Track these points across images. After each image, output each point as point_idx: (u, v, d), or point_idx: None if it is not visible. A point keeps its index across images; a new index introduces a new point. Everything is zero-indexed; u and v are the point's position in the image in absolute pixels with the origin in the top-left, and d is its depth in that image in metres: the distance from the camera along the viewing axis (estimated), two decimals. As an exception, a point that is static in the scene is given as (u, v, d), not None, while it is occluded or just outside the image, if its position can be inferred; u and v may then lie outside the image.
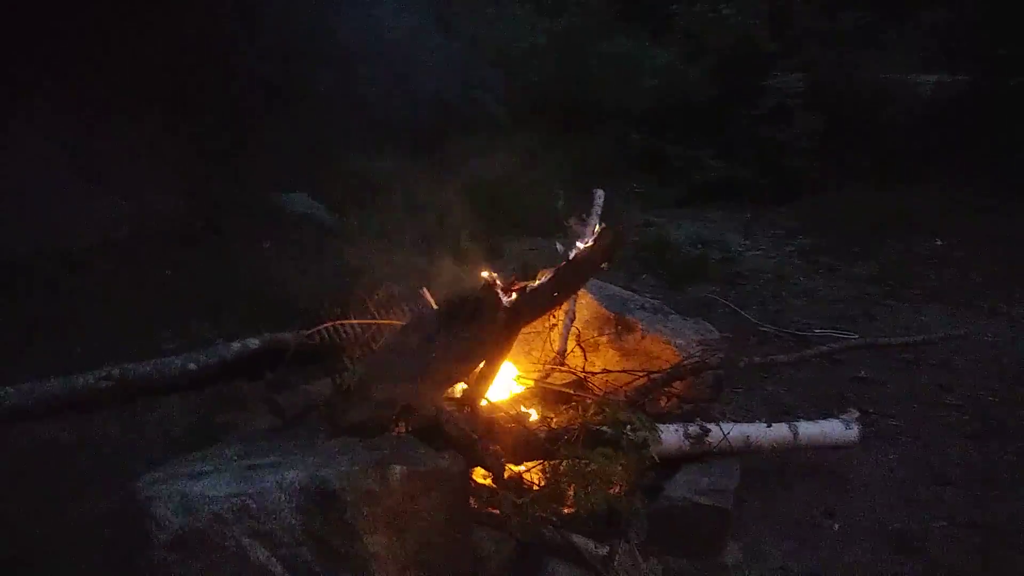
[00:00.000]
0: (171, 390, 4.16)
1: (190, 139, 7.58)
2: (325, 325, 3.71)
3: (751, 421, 3.63)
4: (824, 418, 3.71)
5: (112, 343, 4.77)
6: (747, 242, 7.88)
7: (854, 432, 3.61)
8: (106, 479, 3.35)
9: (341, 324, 3.78)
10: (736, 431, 3.41)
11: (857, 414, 3.72)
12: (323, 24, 9.14)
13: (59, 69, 6.87)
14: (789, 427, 3.53)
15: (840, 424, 3.63)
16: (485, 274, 3.26)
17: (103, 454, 3.65)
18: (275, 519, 2.32)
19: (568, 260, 3.40)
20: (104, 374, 4.00)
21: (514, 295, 3.25)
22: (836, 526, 3.31)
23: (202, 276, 6.19)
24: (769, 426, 3.50)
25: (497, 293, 3.19)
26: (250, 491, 2.34)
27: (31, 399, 3.83)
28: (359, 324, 3.71)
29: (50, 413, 3.85)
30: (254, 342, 4.42)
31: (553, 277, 3.38)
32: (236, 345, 4.39)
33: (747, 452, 3.43)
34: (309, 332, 3.82)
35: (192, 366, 4.22)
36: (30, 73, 6.81)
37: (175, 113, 7.52)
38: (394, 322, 3.69)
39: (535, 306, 3.37)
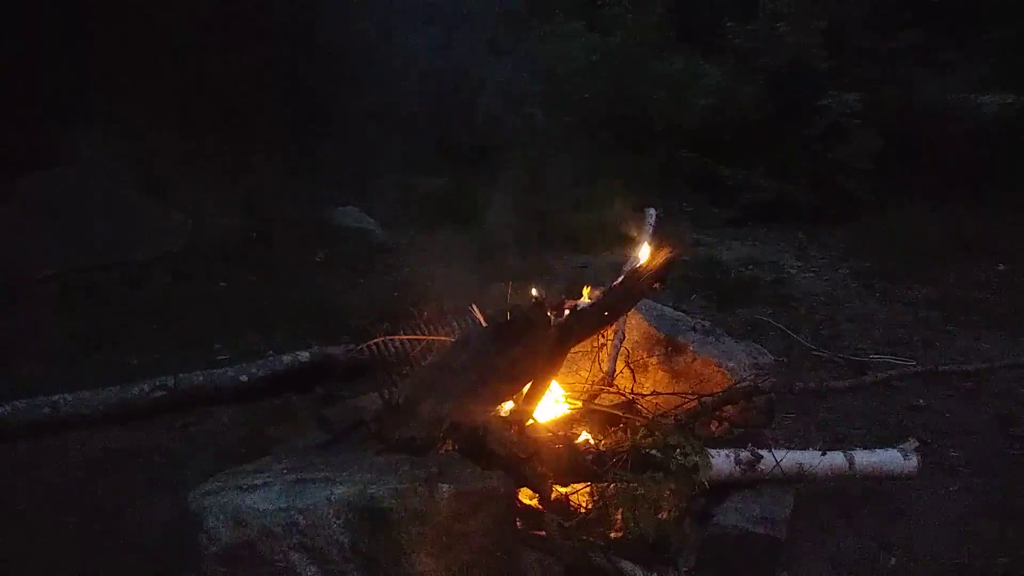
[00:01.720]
0: (223, 401, 4.25)
1: (245, 155, 7.76)
2: (374, 341, 3.72)
3: (805, 448, 3.53)
4: (881, 447, 3.60)
5: (167, 354, 4.89)
6: (800, 264, 7.73)
7: (913, 463, 3.49)
8: (159, 489, 3.42)
9: (390, 339, 3.79)
10: (789, 458, 3.32)
11: (916, 444, 3.60)
12: (376, 42, 9.30)
13: (121, 88, 7.09)
14: (845, 455, 3.43)
15: (898, 454, 3.51)
16: (534, 292, 3.25)
17: (156, 463, 3.72)
18: (324, 535, 2.32)
19: (620, 279, 3.37)
20: (158, 384, 4.11)
21: (564, 314, 3.23)
22: (892, 560, 3.20)
23: (255, 289, 6.31)
24: (824, 454, 3.41)
25: (546, 312, 3.18)
26: (300, 506, 2.35)
27: (88, 407, 3.95)
28: (408, 340, 3.72)
29: (106, 422, 3.96)
30: (304, 355, 4.51)
31: (604, 296, 3.36)
32: (287, 358, 4.49)
33: (800, 480, 3.34)
34: (358, 347, 3.85)
35: (244, 378, 4.33)
36: (93, 92, 7.03)
37: (231, 130, 7.70)
38: (443, 338, 3.69)
39: (585, 326, 3.35)
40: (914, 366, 4.88)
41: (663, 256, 3.27)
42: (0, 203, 6.55)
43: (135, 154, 7.51)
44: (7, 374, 4.61)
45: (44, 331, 5.25)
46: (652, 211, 4.27)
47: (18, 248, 6.23)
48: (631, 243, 4.00)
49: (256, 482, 2.52)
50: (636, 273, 3.30)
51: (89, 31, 6.89)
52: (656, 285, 3.33)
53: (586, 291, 3.68)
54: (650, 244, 3.59)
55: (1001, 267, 7.18)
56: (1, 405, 3.81)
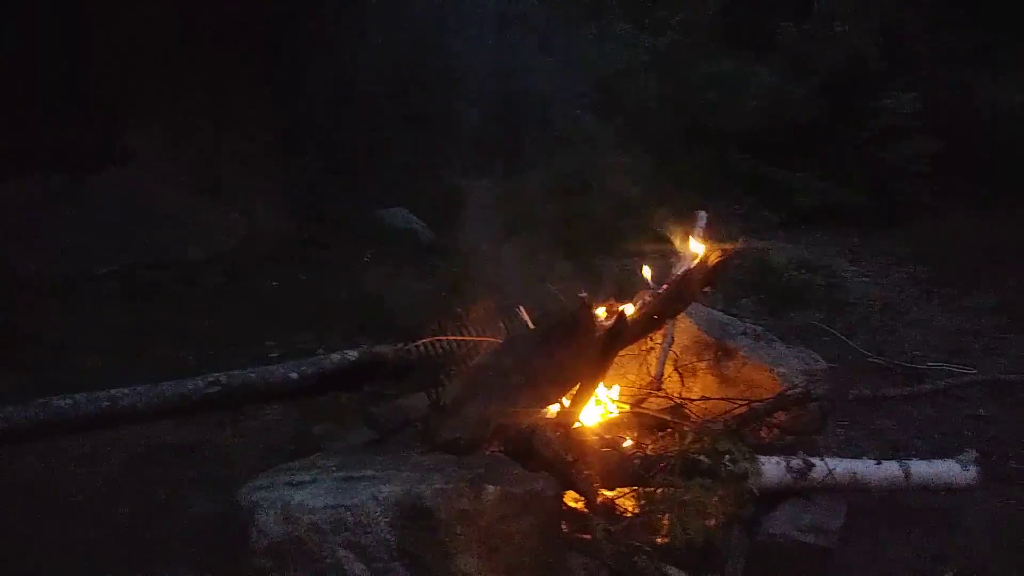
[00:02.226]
0: (274, 398, 4.29)
1: (296, 156, 7.88)
2: (422, 340, 3.74)
3: (858, 457, 3.46)
4: (938, 457, 3.50)
5: (220, 351, 4.98)
6: (854, 268, 7.57)
7: (972, 474, 3.39)
8: (209, 483, 3.48)
9: (438, 340, 3.81)
10: (842, 467, 3.25)
11: (975, 455, 3.50)
12: (426, 44, 9.36)
13: (179, 90, 7.26)
14: (900, 466, 3.35)
15: (956, 465, 3.41)
16: (583, 294, 3.23)
17: (207, 458, 3.80)
18: (370, 533, 2.35)
19: (671, 282, 3.34)
20: (212, 379, 4.17)
21: (612, 317, 3.20)
22: (948, 574, 3.11)
23: (306, 289, 6.41)
24: (879, 463, 3.33)
25: (594, 314, 3.16)
26: (347, 503, 2.38)
27: (144, 402, 4.02)
28: (455, 340, 3.73)
29: (162, 416, 4.03)
30: (352, 354, 4.51)
31: (654, 299, 3.33)
32: (336, 356, 4.50)
33: (854, 490, 3.27)
34: (406, 347, 3.87)
35: (294, 375, 4.34)
36: (152, 94, 7.22)
37: (283, 132, 7.83)
38: (490, 339, 3.69)
39: (633, 329, 3.33)
40: (974, 374, 4.74)
41: (713, 260, 3.23)
42: (63, 201, 6.76)
43: (192, 155, 7.69)
44: (68, 367, 4.75)
45: (103, 326, 5.39)
46: (703, 214, 4.21)
47: (79, 245, 6.41)
48: (681, 246, 3.95)
49: (305, 479, 2.56)
50: (686, 276, 3.26)
51: (149, 34, 7.07)
52: (706, 289, 3.29)
53: (639, 296, 3.65)
54: (700, 247, 3.55)
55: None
56: (62, 397, 3.91)
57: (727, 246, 3.30)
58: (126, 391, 4.00)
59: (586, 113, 10.18)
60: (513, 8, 10.66)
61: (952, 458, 3.46)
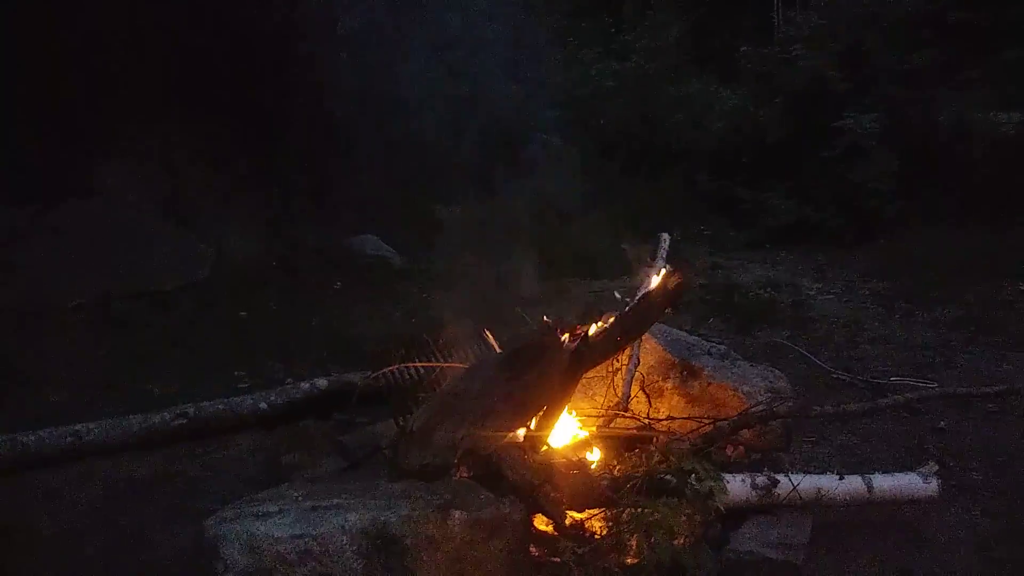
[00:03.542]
0: (243, 428, 4.30)
1: (267, 185, 7.89)
2: (391, 368, 3.76)
3: (823, 472, 3.51)
4: (901, 471, 3.56)
5: (190, 382, 4.96)
6: (820, 286, 7.69)
7: (933, 486, 3.45)
8: (178, 516, 3.46)
9: (406, 366, 3.83)
10: (806, 483, 3.30)
11: (936, 467, 3.56)
12: (395, 69, 9.43)
13: (148, 120, 7.26)
14: (863, 480, 3.40)
15: (918, 478, 3.47)
16: (547, 318, 3.28)
17: (177, 491, 3.77)
18: (337, 562, 2.35)
19: (632, 304, 3.39)
20: (179, 412, 4.17)
21: (576, 339, 3.25)
22: (913, 586, 3.15)
23: (276, 317, 6.40)
24: (841, 478, 3.38)
25: (559, 337, 3.20)
26: (313, 533, 2.38)
27: (111, 436, 4.01)
28: (423, 367, 3.75)
29: (129, 449, 4.02)
30: (322, 383, 4.56)
31: (617, 322, 3.38)
32: (305, 385, 4.54)
33: (818, 505, 3.32)
34: (375, 374, 3.89)
35: (263, 405, 4.38)
36: (121, 121, 7.20)
37: (254, 161, 7.84)
38: (458, 365, 3.72)
39: (598, 351, 3.37)
40: (934, 388, 4.83)
41: (675, 281, 3.29)
42: (33, 232, 6.71)
43: (162, 185, 7.67)
44: (37, 400, 4.71)
45: (71, 359, 5.35)
46: (666, 236, 4.29)
47: (49, 276, 6.36)
48: (645, 268, 4.01)
49: (271, 509, 2.56)
50: (648, 298, 3.32)
51: (116, 64, 7.07)
52: (668, 310, 3.34)
53: (604, 318, 3.70)
54: (663, 269, 3.61)
55: (1022, 286, 7.09)
56: (27, 434, 3.88)
57: (687, 268, 3.36)
58: (92, 425, 4.01)
59: (555, 137, 10.29)
60: (483, 34, 10.78)
61: (914, 471, 3.52)
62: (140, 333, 5.92)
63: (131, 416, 4.12)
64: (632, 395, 4.00)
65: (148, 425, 4.09)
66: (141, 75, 7.29)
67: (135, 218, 7.30)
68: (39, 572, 3.10)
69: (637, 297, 3.39)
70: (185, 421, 4.14)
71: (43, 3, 6.79)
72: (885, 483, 3.42)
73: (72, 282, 6.43)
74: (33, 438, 3.87)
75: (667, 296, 3.29)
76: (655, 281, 3.47)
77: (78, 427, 3.96)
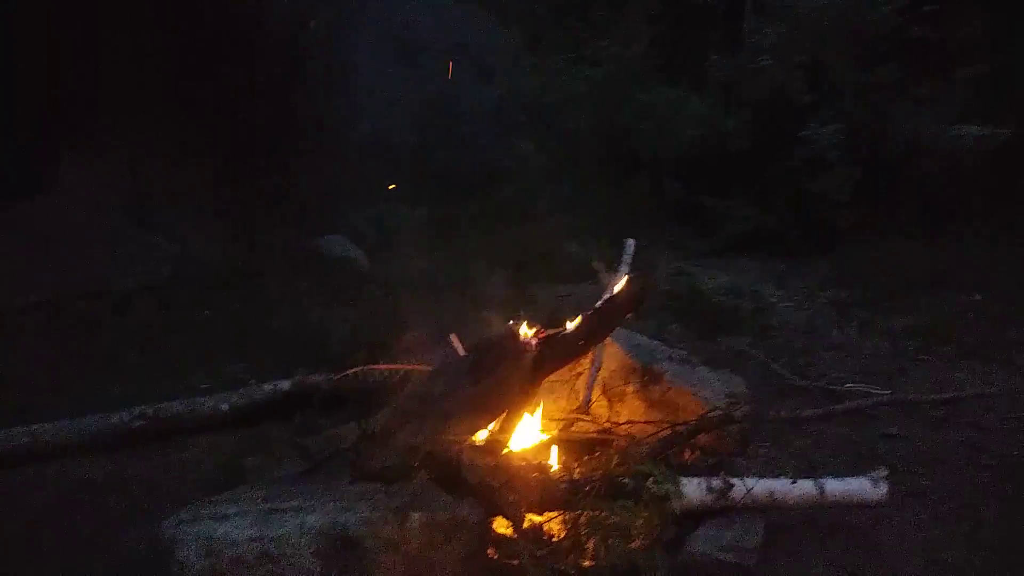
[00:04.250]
0: (203, 430, 4.27)
1: (231, 185, 7.83)
2: (354, 370, 3.77)
3: (777, 476, 3.58)
4: (852, 475, 3.65)
5: (149, 383, 4.91)
6: (780, 293, 7.82)
7: (882, 490, 3.54)
8: (136, 518, 3.43)
9: (369, 369, 3.84)
10: (760, 486, 3.37)
11: (886, 472, 3.65)
12: (365, 72, 9.42)
13: (109, 118, 7.17)
14: (815, 484, 3.48)
15: (868, 482, 3.56)
16: (510, 322, 3.31)
17: (135, 493, 3.73)
18: (295, 564, 2.36)
19: (594, 309, 3.43)
20: (138, 413, 4.13)
21: (538, 343, 3.29)
22: (863, 588, 3.23)
23: (239, 318, 6.35)
24: (794, 482, 3.45)
25: (521, 341, 3.24)
26: (271, 535, 2.39)
27: (67, 437, 3.96)
28: (386, 369, 3.77)
29: (85, 451, 3.97)
30: (284, 384, 4.54)
31: (578, 326, 3.42)
32: (267, 387, 4.52)
33: (771, 508, 3.39)
34: (338, 376, 3.89)
35: (224, 407, 4.35)
36: (82, 119, 7.11)
37: (218, 160, 7.78)
38: (420, 368, 3.74)
39: (560, 354, 3.41)
40: (887, 395, 4.95)
41: (636, 286, 3.34)
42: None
43: (122, 183, 7.58)
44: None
45: (28, 359, 5.27)
46: (630, 242, 4.35)
47: (7, 274, 6.26)
48: (609, 273, 4.07)
49: (229, 511, 2.56)
50: (609, 303, 3.37)
51: (78, 61, 6.98)
52: (628, 315, 3.39)
53: (567, 323, 3.75)
54: (625, 274, 3.66)
55: (977, 297, 7.27)
56: (-21, 434, 3.82)
57: (648, 274, 3.41)
58: (48, 426, 3.96)
59: (523, 142, 10.35)
60: (454, 39, 10.83)
61: (864, 475, 3.61)
62: (99, 333, 5.85)
63: (88, 416, 4.08)
64: (594, 399, 4.05)
65: (106, 426, 4.04)
66: (105, 73, 7.20)
67: (96, 216, 7.21)
68: (-8, 574, 3.06)
69: (600, 302, 3.44)
70: (144, 422, 4.11)
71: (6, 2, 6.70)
72: (836, 487, 3.50)
73: (28, 280, 6.34)
74: (-14, 438, 3.81)
75: (628, 301, 3.34)
76: (618, 286, 3.52)
77: (34, 427, 3.91)
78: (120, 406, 4.24)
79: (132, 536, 3.27)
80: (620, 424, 3.80)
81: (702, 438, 3.68)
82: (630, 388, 4.06)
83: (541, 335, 3.39)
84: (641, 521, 3.00)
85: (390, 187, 8.33)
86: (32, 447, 3.87)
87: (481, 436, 3.30)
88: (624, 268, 4.09)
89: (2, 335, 5.61)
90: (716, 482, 3.32)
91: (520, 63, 11.40)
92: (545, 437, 3.66)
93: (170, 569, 2.37)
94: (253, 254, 7.54)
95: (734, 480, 3.34)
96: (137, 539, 3.21)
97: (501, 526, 3.06)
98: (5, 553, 3.21)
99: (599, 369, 4.13)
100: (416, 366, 3.94)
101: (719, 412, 3.69)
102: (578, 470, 3.32)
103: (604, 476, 3.14)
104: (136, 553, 3.09)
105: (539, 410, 3.72)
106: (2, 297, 6.09)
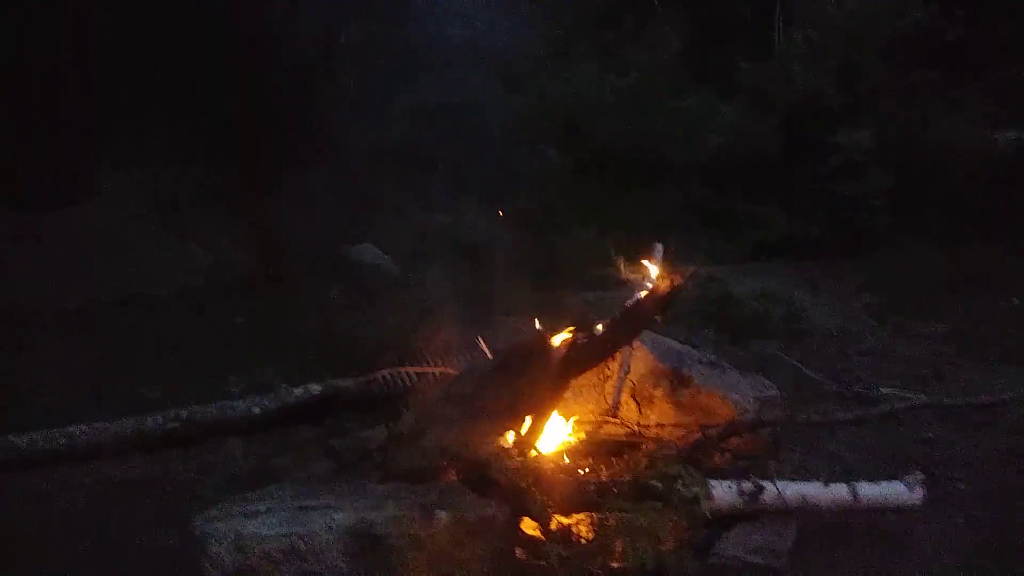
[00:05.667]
0: (235, 433, 4.32)
1: (264, 193, 7.94)
2: (383, 373, 3.79)
3: (809, 480, 3.53)
4: (886, 479, 3.59)
5: (183, 387, 4.98)
6: (813, 298, 7.72)
7: (917, 495, 3.48)
8: (169, 517, 3.47)
9: (398, 372, 3.87)
10: (792, 490, 3.33)
11: (922, 476, 3.59)
12: (395, 80, 9.52)
13: (145, 128, 7.32)
14: (848, 487, 3.43)
15: (903, 486, 3.50)
16: (537, 324, 3.31)
17: (167, 493, 3.78)
18: (323, 560, 2.38)
19: (621, 312, 3.42)
20: (172, 415, 4.19)
21: (566, 345, 3.28)
22: (896, 594, 3.17)
23: (271, 324, 6.42)
24: (827, 486, 3.41)
25: (548, 343, 3.24)
26: (300, 532, 2.41)
27: (103, 438, 4.03)
28: (415, 372, 3.79)
29: (120, 452, 4.04)
30: (315, 388, 4.58)
31: (606, 328, 3.41)
32: (298, 391, 4.56)
33: (803, 511, 3.34)
34: (367, 380, 3.92)
35: (256, 410, 4.40)
36: (118, 129, 7.27)
37: (251, 168, 7.90)
38: (448, 370, 3.76)
39: (587, 357, 3.41)
40: (921, 400, 4.85)
41: (663, 289, 3.33)
42: (27, 237, 6.75)
43: (158, 192, 7.72)
44: (28, 404, 4.72)
45: (66, 362, 5.37)
46: (660, 246, 4.32)
47: (45, 281, 6.40)
48: (638, 277, 4.05)
49: (259, 509, 2.58)
50: (637, 305, 3.36)
51: (109, 71, 7.14)
52: (657, 317, 3.38)
53: (595, 326, 3.74)
54: (653, 277, 3.64)
55: (1014, 301, 7.14)
56: (19, 436, 3.90)
57: (677, 276, 3.39)
58: (84, 428, 4.03)
59: (553, 149, 10.36)
60: (482, 46, 10.88)
61: (899, 479, 3.55)
62: (134, 338, 5.95)
63: (124, 419, 4.15)
64: (622, 403, 4.03)
65: (140, 428, 4.11)
66: (140, 84, 7.35)
67: (132, 224, 7.36)
68: (28, 573, 3.11)
69: (628, 304, 3.43)
70: (178, 425, 4.17)
71: (38, 11, 6.86)
72: (870, 491, 3.45)
73: (67, 286, 6.48)
74: (26, 439, 3.89)
75: (656, 304, 3.32)
76: (646, 288, 3.51)
77: (71, 429, 3.99)
78: (154, 409, 4.31)
79: (164, 534, 3.32)
80: (648, 427, 3.78)
81: (733, 441, 3.65)
82: (659, 391, 4.03)
83: (569, 337, 3.38)
84: (670, 523, 2.97)
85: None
86: (69, 448, 3.94)
87: (509, 437, 3.30)
88: (653, 272, 4.07)
89: (41, 340, 5.73)
90: (747, 485, 3.28)
91: (548, 71, 11.40)
92: (573, 439, 3.65)
93: (201, 565, 2.40)
94: (284, 261, 7.62)
95: (765, 483, 3.31)
96: (169, 537, 3.25)
97: (529, 527, 3.05)
98: (41, 551, 3.27)
99: (628, 372, 4.11)
100: (444, 369, 3.95)
101: (750, 415, 3.66)
102: (606, 472, 3.31)
103: (633, 478, 3.12)
104: (168, 550, 3.13)
105: (567, 412, 3.71)
106: (41, 303, 6.22)
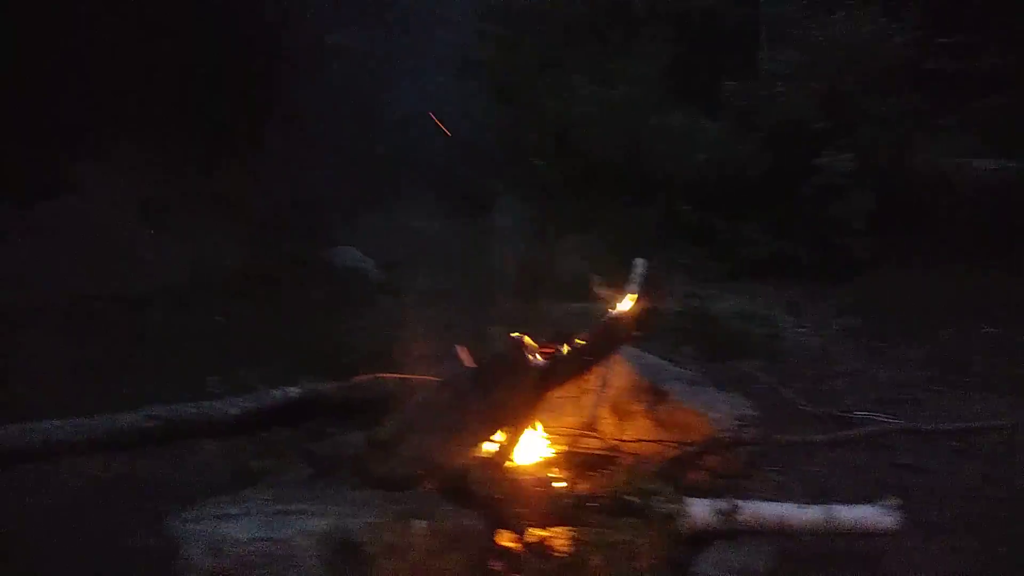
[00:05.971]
0: (213, 433, 4.28)
1: (247, 193, 7.90)
2: (363, 379, 3.78)
3: (785, 501, 3.55)
4: (862, 503, 3.61)
5: (161, 386, 4.93)
6: (793, 319, 7.78)
7: (892, 519, 3.50)
8: (144, 518, 3.43)
9: (379, 378, 3.86)
10: (768, 510, 3.34)
11: (897, 501, 3.61)
12: (381, 86, 9.52)
13: (127, 122, 7.28)
14: (823, 510, 3.45)
15: (878, 510, 3.53)
16: (516, 335, 3.32)
17: (143, 493, 3.74)
18: (298, 566, 2.37)
19: (600, 326, 3.44)
20: (149, 414, 4.14)
21: (545, 357, 3.29)
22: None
23: (252, 325, 6.38)
24: (802, 508, 3.43)
25: (526, 354, 3.24)
26: (275, 537, 2.40)
27: (79, 435, 3.98)
28: (395, 379, 3.78)
29: (96, 450, 3.98)
30: (294, 391, 4.54)
31: (584, 342, 3.43)
32: (277, 393, 4.52)
33: (779, 533, 3.36)
34: (347, 385, 3.91)
35: (234, 411, 4.35)
36: (100, 125, 7.22)
37: (234, 167, 7.86)
38: (428, 378, 3.75)
39: (565, 370, 3.42)
40: (898, 423, 4.90)
41: (642, 304, 3.35)
42: (8, 232, 6.68)
43: (140, 187, 7.66)
44: (5, 399, 4.66)
45: (43, 359, 5.30)
46: (640, 261, 4.34)
47: (23, 276, 6.32)
48: (613, 292, 4.07)
49: (235, 512, 2.57)
50: (615, 320, 3.37)
51: (95, 66, 7.09)
52: (634, 333, 3.40)
53: (576, 339, 3.75)
54: (632, 293, 3.67)
55: (992, 329, 7.22)
56: (-7, 430, 3.84)
57: (655, 293, 3.42)
58: (60, 424, 3.97)
59: (537, 159, 10.39)
60: (470, 56, 10.91)
61: (874, 504, 3.58)
62: (113, 335, 5.88)
63: (100, 416, 4.09)
64: (601, 417, 4.04)
65: (118, 426, 4.06)
66: (124, 79, 7.31)
67: (114, 220, 7.29)
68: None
69: (606, 319, 3.44)
70: (155, 423, 4.12)
71: (26, 7, 6.82)
72: (845, 514, 3.47)
73: (46, 282, 6.40)
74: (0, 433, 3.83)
75: (633, 319, 3.35)
76: (624, 304, 3.53)
77: (45, 424, 3.93)
78: (132, 407, 4.26)
79: (140, 535, 3.27)
80: (627, 442, 3.79)
81: (710, 459, 3.67)
82: (638, 407, 4.05)
83: (548, 349, 3.39)
84: (646, 540, 2.98)
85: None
86: (44, 445, 3.88)
87: (487, 448, 3.30)
88: (633, 287, 4.09)
89: (19, 335, 5.66)
90: (723, 504, 3.30)
91: (535, 83, 11.44)
92: (551, 452, 3.66)
93: (176, 567, 2.38)
94: (267, 262, 7.59)
95: (741, 502, 3.32)
96: (144, 539, 3.21)
97: (505, 539, 3.05)
98: (14, 549, 3.22)
99: (607, 386, 4.13)
100: (424, 377, 3.94)
101: (728, 434, 3.68)
102: (583, 486, 3.32)
103: (610, 493, 3.13)
104: (143, 551, 3.10)
105: (545, 425, 3.72)
106: (20, 297, 6.14)
